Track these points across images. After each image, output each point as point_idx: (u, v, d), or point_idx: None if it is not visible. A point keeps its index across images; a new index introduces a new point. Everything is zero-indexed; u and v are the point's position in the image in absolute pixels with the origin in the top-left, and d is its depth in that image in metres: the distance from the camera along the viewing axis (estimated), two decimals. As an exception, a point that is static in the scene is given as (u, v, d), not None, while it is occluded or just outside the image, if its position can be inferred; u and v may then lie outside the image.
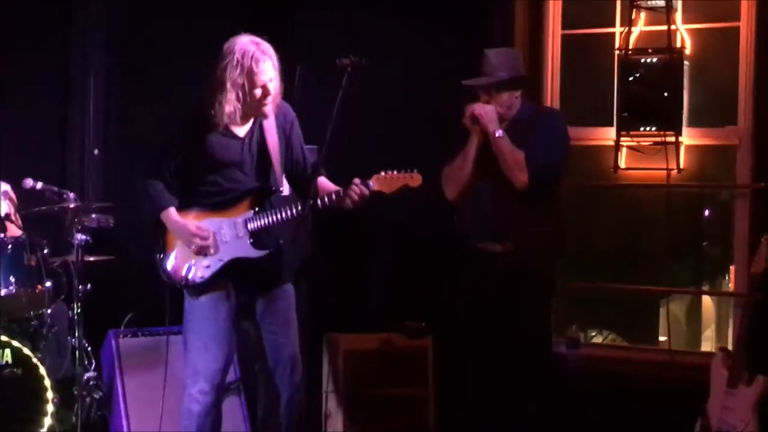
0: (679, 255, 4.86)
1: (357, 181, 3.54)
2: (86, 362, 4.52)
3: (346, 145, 3.56)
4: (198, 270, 3.57)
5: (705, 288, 5.00)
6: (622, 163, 4.56)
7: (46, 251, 4.35)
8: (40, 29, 5.28)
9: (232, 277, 3.61)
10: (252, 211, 3.59)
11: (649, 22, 4.53)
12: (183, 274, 3.57)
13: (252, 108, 3.57)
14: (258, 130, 3.64)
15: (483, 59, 3.84)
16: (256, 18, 4.87)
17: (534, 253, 3.79)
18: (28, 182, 4.38)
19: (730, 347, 4.04)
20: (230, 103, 3.51)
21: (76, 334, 4.38)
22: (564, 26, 4.74)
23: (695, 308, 5.06)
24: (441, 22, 4.73)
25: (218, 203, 3.61)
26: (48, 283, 4.29)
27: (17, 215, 4.46)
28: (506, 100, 3.83)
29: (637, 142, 4.47)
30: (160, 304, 3.87)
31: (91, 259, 4.50)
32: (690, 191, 4.74)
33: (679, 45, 4.43)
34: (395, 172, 3.57)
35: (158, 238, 3.63)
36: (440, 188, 3.92)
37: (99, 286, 4.59)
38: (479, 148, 3.80)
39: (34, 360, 4.08)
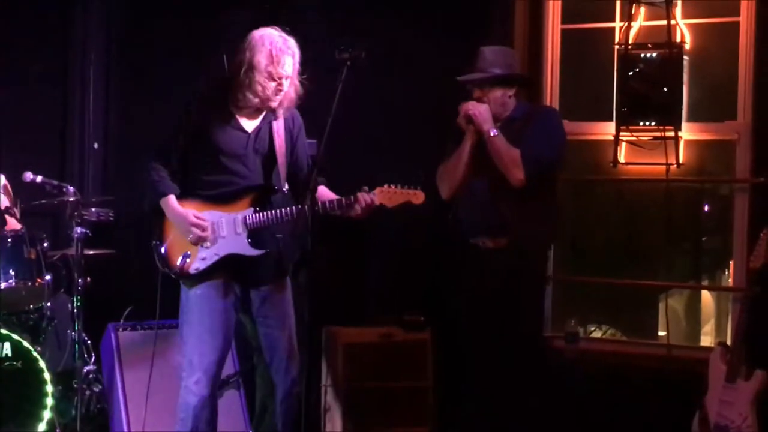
0: (679, 250, 4.86)
1: (365, 189, 3.56)
2: (86, 355, 4.54)
3: (346, 139, 3.56)
4: (194, 261, 3.58)
5: (704, 283, 5.00)
6: (621, 158, 4.56)
7: (45, 245, 4.36)
8: (40, 25, 5.29)
9: (229, 269, 3.62)
10: (252, 209, 3.60)
11: (648, 17, 4.52)
12: (178, 263, 3.58)
13: (264, 100, 3.58)
14: (266, 129, 3.66)
15: (478, 55, 3.83)
16: (257, 15, 4.87)
17: (527, 248, 3.79)
18: (28, 176, 4.39)
19: (728, 342, 4.04)
20: (254, 86, 3.53)
21: (76, 328, 4.40)
22: (564, 21, 4.74)
23: (694, 303, 5.06)
24: (440, 15, 4.73)
25: (219, 196, 3.61)
26: (48, 277, 4.30)
27: (15, 208, 4.46)
28: (499, 97, 3.82)
29: (637, 136, 4.47)
30: (160, 298, 3.87)
31: (91, 252, 4.51)
32: (689, 186, 4.74)
33: (678, 40, 4.43)
34: (399, 187, 3.58)
35: (155, 225, 3.64)
36: (436, 186, 3.93)
37: (98, 280, 4.61)
38: (474, 147, 3.80)
39: (34, 353, 4.10)
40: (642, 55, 4.40)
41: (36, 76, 5.26)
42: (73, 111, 5.43)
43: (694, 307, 5.05)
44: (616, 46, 4.50)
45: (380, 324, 4.53)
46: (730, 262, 4.59)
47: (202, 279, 3.60)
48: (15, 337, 4.09)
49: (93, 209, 4.49)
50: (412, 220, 4.67)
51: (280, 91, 3.58)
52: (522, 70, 4.27)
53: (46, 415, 4.08)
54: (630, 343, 4.76)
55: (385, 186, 3.58)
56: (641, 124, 4.43)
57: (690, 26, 4.51)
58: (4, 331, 4.08)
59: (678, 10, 4.49)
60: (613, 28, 4.63)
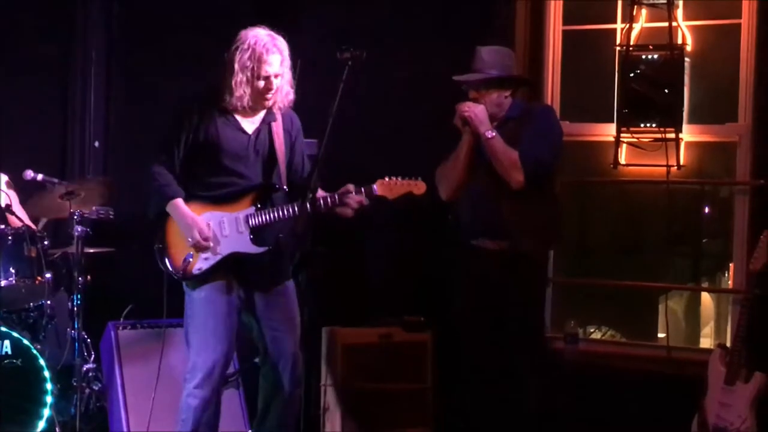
0: (679, 251, 4.86)
1: (351, 188, 3.55)
2: (85, 354, 4.54)
3: (347, 140, 3.56)
4: (196, 262, 3.58)
5: (704, 285, 5.00)
6: (622, 159, 4.56)
7: (46, 243, 4.35)
8: (41, 23, 5.29)
9: (233, 271, 3.62)
10: (253, 207, 3.60)
11: (650, 19, 4.52)
12: (181, 265, 3.58)
13: (256, 99, 3.58)
14: (266, 130, 3.67)
15: (474, 55, 3.82)
16: (257, 13, 4.87)
17: (528, 250, 3.79)
18: (29, 174, 4.39)
19: (728, 344, 4.04)
20: (240, 87, 3.54)
21: (76, 326, 4.40)
22: (565, 22, 4.74)
23: (694, 305, 5.06)
24: (442, 16, 4.73)
25: (220, 197, 3.62)
26: (48, 275, 4.29)
27: (21, 207, 4.47)
28: (495, 99, 3.81)
29: (638, 138, 4.47)
30: (160, 297, 3.87)
31: (91, 250, 4.51)
32: (690, 188, 4.74)
33: (680, 42, 4.43)
34: (399, 179, 3.58)
35: (157, 228, 3.64)
36: (436, 186, 3.93)
37: (99, 278, 4.61)
38: (471, 148, 3.80)
39: (34, 351, 4.09)
40: (643, 57, 4.40)
41: (37, 75, 5.27)
42: (74, 110, 5.44)
43: (693, 309, 5.06)
44: (618, 48, 4.50)
45: (380, 325, 4.53)
46: (730, 265, 4.59)
47: (205, 281, 3.60)
48: (15, 334, 4.08)
49: (93, 207, 4.49)
50: (412, 221, 4.69)
51: (270, 89, 3.58)
52: (523, 71, 4.28)
53: (46, 413, 4.07)
54: (629, 345, 4.76)
55: (386, 178, 3.58)
56: (642, 125, 4.43)
57: (691, 28, 4.51)
58: (4, 329, 4.08)
59: (679, 12, 4.50)
60: (615, 30, 4.63)
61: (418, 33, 4.73)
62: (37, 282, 4.28)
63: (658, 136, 4.40)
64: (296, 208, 3.53)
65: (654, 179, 4.54)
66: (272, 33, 3.60)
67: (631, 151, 4.56)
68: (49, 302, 4.36)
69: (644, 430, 4.30)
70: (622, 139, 4.49)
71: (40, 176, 4.40)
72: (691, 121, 4.52)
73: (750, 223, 4.37)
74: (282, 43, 3.60)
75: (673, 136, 4.38)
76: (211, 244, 3.57)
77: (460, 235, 3.90)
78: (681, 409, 4.03)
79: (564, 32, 4.74)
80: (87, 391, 4.45)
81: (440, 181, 3.90)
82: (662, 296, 4.73)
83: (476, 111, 3.76)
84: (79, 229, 4.33)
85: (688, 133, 4.50)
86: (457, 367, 4.00)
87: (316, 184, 3.52)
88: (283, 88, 3.63)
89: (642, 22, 4.52)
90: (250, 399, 4.30)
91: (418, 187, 3.60)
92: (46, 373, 4.09)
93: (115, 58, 5.48)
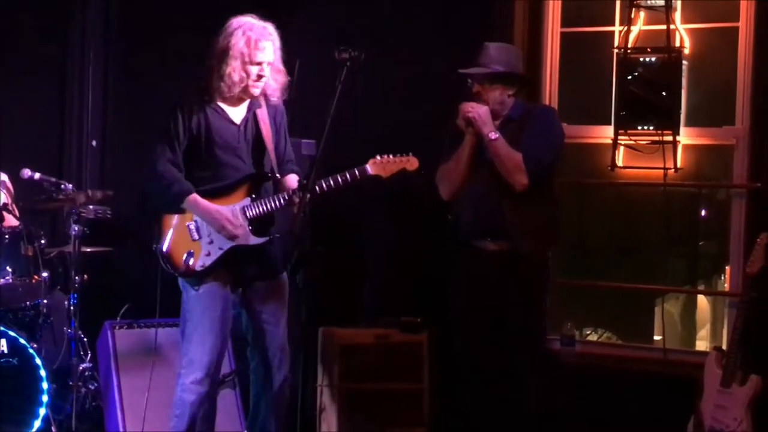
0: (675, 254, 4.87)
1: (291, 191, 3.58)
2: (82, 353, 4.54)
3: (345, 140, 3.56)
4: (198, 258, 3.58)
5: (700, 287, 5.01)
6: (619, 162, 4.56)
7: (43, 242, 4.35)
8: (40, 22, 5.29)
9: (231, 265, 3.62)
10: (249, 198, 3.61)
11: (648, 22, 4.53)
12: (183, 261, 3.58)
13: (245, 87, 3.59)
14: (252, 119, 3.68)
15: (482, 50, 3.83)
16: (256, 10, 4.88)
17: (529, 248, 3.79)
18: (26, 173, 4.39)
19: (724, 346, 4.05)
20: (233, 73, 3.55)
21: (72, 325, 4.39)
22: (563, 24, 4.74)
23: (690, 307, 5.07)
24: (441, 17, 4.73)
25: (215, 190, 3.62)
26: (45, 274, 4.30)
27: (14, 206, 4.46)
28: (498, 95, 3.81)
29: (635, 140, 4.48)
30: (156, 296, 3.87)
31: (88, 250, 4.51)
32: (687, 190, 4.75)
33: (678, 44, 4.44)
34: (391, 156, 3.58)
35: (154, 229, 3.64)
36: (436, 186, 3.92)
37: (96, 277, 4.61)
38: (473, 149, 3.80)
39: (30, 350, 4.09)
40: (641, 59, 4.40)
41: (35, 74, 5.26)
42: (72, 108, 5.43)
43: (689, 311, 5.06)
44: (616, 50, 4.50)
45: (377, 325, 4.53)
46: (727, 267, 4.60)
47: (205, 276, 3.60)
48: (11, 333, 4.09)
49: (90, 207, 4.48)
50: (411, 220, 4.69)
51: (262, 77, 3.59)
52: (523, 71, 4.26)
53: (42, 411, 4.07)
54: (626, 347, 4.77)
55: (377, 156, 3.58)
56: (640, 128, 4.43)
57: (689, 31, 4.52)
58: (0, 328, 4.07)
59: (677, 15, 4.50)
60: (613, 32, 4.63)
61: (417, 34, 4.73)
62: (33, 281, 4.28)
63: (656, 138, 4.40)
64: (292, 196, 3.54)
65: (651, 182, 4.54)
66: (262, 21, 3.62)
67: (629, 154, 4.56)
68: (45, 301, 4.36)
69: (640, 432, 4.31)
70: (619, 142, 4.50)
71: (37, 175, 4.39)
72: (688, 124, 4.52)
73: (747, 226, 4.38)
74: (273, 30, 3.63)
75: (670, 138, 4.38)
76: (241, 232, 3.56)
77: (459, 235, 3.90)
78: (677, 411, 4.03)
79: (562, 34, 4.74)
80: (83, 390, 4.45)
81: (441, 181, 3.90)
82: (659, 298, 4.73)
83: (480, 112, 3.76)
84: (76, 228, 4.32)
85: (686, 136, 4.51)
86: (456, 367, 4.00)
87: (313, 184, 3.52)
88: (271, 77, 3.64)
89: (640, 24, 4.52)
90: (246, 399, 4.29)
91: (411, 162, 3.60)
92: (43, 372, 4.09)
93: (113, 57, 5.48)
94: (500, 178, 3.74)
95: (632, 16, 4.46)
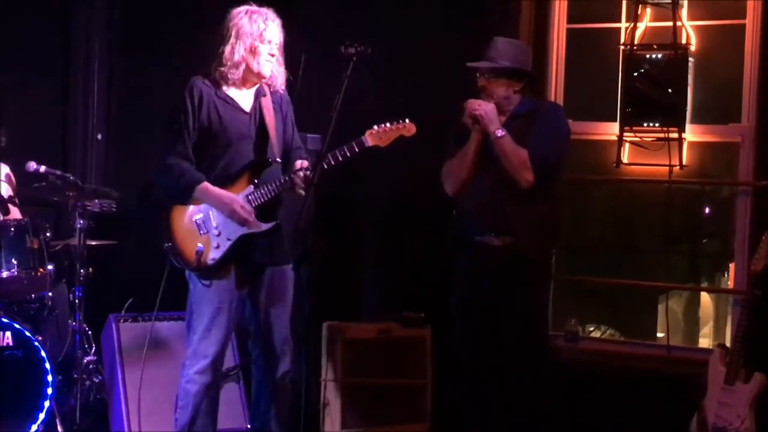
0: (679, 251, 4.87)
1: (300, 165, 3.58)
2: (86, 346, 4.54)
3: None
4: (209, 252, 3.58)
5: (704, 285, 5.01)
6: (624, 158, 4.56)
7: (48, 234, 4.35)
8: (43, 14, 5.29)
9: (238, 256, 3.62)
10: (252, 186, 3.61)
11: (654, 18, 4.52)
12: (194, 258, 3.58)
13: (255, 68, 3.60)
14: (258, 107, 3.68)
15: (490, 44, 3.83)
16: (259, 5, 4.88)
17: (532, 246, 3.79)
18: (31, 166, 4.39)
19: (727, 344, 4.05)
20: (239, 53, 3.57)
21: (77, 318, 4.40)
22: (569, 21, 4.74)
23: (694, 305, 5.07)
24: (446, 14, 4.73)
25: (220, 178, 3.61)
26: (50, 267, 4.30)
27: (16, 198, 4.47)
28: (503, 90, 3.80)
29: (640, 137, 4.48)
30: (161, 289, 3.88)
31: (93, 243, 4.51)
32: (692, 188, 4.75)
33: (684, 41, 4.43)
34: (388, 125, 3.57)
35: (162, 226, 3.64)
36: (441, 181, 3.92)
37: (100, 271, 4.62)
38: (479, 146, 3.80)
39: (35, 342, 4.10)
40: (647, 56, 4.40)
41: (39, 67, 5.27)
42: (76, 102, 5.44)
43: (692, 308, 5.07)
44: (622, 47, 4.50)
45: (380, 320, 4.54)
46: (731, 265, 4.60)
47: (214, 270, 3.60)
48: (16, 326, 4.09)
49: (96, 200, 4.49)
50: (414, 217, 4.70)
51: (273, 56, 3.61)
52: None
53: (46, 404, 4.07)
54: (629, 344, 4.77)
55: (374, 127, 3.57)
56: (645, 125, 4.44)
57: (696, 28, 4.51)
58: (5, 320, 4.08)
59: (684, 12, 4.50)
60: (619, 29, 4.63)
61: (423, 30, 4.73)
62: (38, 273, 4.28)
63: (661, 135, 4.40)
64: (293, 177, 3.54)
65: (656, 179, 4.55)
66: (267, 8, 3.65)
67: (634, 151, 4.56)
68: (50, 294, 4.37)
69: (643, 429, 4.31)
70: (625, 138, 4.50)
71: (42, 168, 4.39)
72: (694, 121, 4.52)
73: (751, 224, 4.38)
74: (274, 14, 3.66)
75: (675, 135, 4.38)
76: (252, 216, 3.57)
77: (463, 231, 3.90)
78: (680, 408, 4.04)
79: (568, 31, 4.74)
80: (87, 383, 4.46)
81: (446, 178, 3.90)
82: (662, 296, 4.74)
83: (487, 109, 3.75)
84: (81, 222, 4.33)
85: (691, 133, 4.50)
86: (457, 363, 4.01)
87: (319, 179, 3.52)
88: (278, 64, 3.66)
89: (646, 21, 4.52)
90: (250, 394, 4.30)
91: (408, 128, 3.58)
92: (47, 365, 4.09)
93: (117, 50, 5.48)
94: (505, 175, 3.74)
95: (639, 12, 4.46)
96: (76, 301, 4.41)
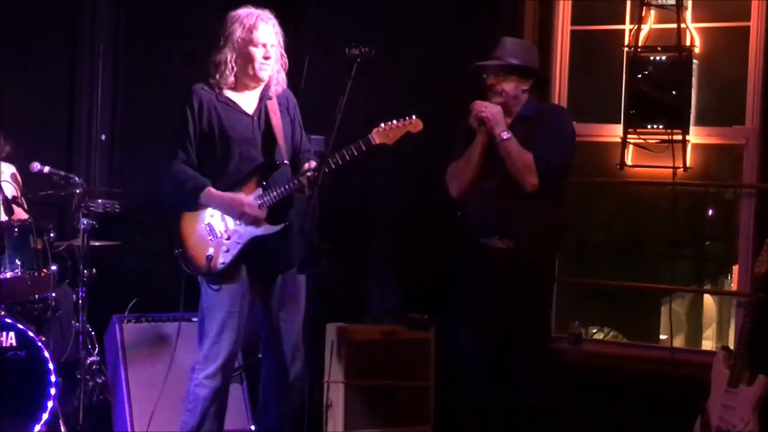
0: (683, 253, 4.86)
1: (307, 166, 3.57)
2: (90, 346, 4.55)
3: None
4: (219, 256, 3.58)
5: (707, 287, 5.00)
6: (628, 160, 4.56)
7: (52, 235, 4.36)
8: (48, 16, 5.29)
9: (248, 261, 3.62)
10: (260, 189, 3.61)
11: (658, 20, 4.52)
12: (205, 263, 3.58)
13: (250, 72, 3.59)
14: (264, 110, 3.68)
15: (498, 44, 3.83)
16: (267, 7, 4.88)
17: (536, 249, 3.79)
18: (35, 166, 4.40)
19: (731, 346, 4.04)
20: (231, 62, 3.58)
21: (81, 319, 4.41)
22: (573, 22, 4.74)
23: (697, 307, 5.07)
24: (449, 17, 4.73)
25: (230, 183, 3.61)
26: (53, 267, 4.30)
27: (23, 198, 4.47)
28: (513, 88, 3.80)
29: (644, 139, 4.47)
30: (164, 290, 3.88)
31: (97, 244, 4.52)
32: (695, 190, 4.74)
33: (688, 43, 4.43)
34: (394, 122, 3.56)
35: (173, 233, 3.64)
36: (445, 183, 3.92)
37: (104, 271, 4.62)
38: (485, 148, 3.79)
39: (39, 343, 4.10)
40: (651, 58, 4.39)
41: (44, 68, 5.27)
42: (81, 102, 5.44)
43: (696, 311, 5.06)
44: (626, 49, 4.49)
45: (384, 322, 4.54)
46: (734, 267, 4.59)
47: (226, 275, 3.60)
48: (20, 326, 4.09)
49: (99, 201, 4.50)
50: (418, 219, 4.69)
51: (268, 59, 3.60)
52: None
53: (50, 405, 4.08)
54: (633, 346, 4.76)
55: (381, 125, 3.56)
56: (649, 126, 4.43)
57: (700, 30, 4.51)
58: (9, 321, 4.08)
59: (688, 14, 4.49)
60: (623, 31, 4.62)
61: (427, 32, 4.73)
62: (42, 274, 4.28)
63: (665, 137, 4.40)
64: (297, 182, 3.54)
65: (660, 181, 4.54)
66: (262, 9, 3.64)
67: (638, 153, 4.55)
68: (53, 294, 4.37)
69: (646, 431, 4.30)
70: (628, 140, 4.49)
71: (46, 168, 4.40)
72: (698, 123, 4.51)
73: (755, 226, 4.37)
74: (270, 15, 3.64)
75: (679, 137, 4.38)
76: (263, 213, 3.56)
77: (467, 233, 3.90)
78: (683, 410, 4.03)
79: (572, 32, 4.74)
80: (90, 383, 4.47)
81: (451, 179, 3.90)
82: (665, 298, 4.73)
83: (493, 111, 3.75)
84: (85, 222, 4.34)
85: (695, 135, 4.50)
86: (461, 365, 4.01)
87: (323, 180, 3.52)
88: (276, 65, 3.65)
89: (650, 23, 4.52)
90: (253, 394, 4.30)
91: (414, 124, 3.57)
92: (51, 366, 4.10)
93: (122, 51, 5.48)
94: (510, 177, 3.74)
95: (643, 14, 4.45)
96: (80, 301, 4.42)
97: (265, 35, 3.60)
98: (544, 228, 3.79)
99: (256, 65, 3.60)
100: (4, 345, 4.03)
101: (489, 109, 3.75)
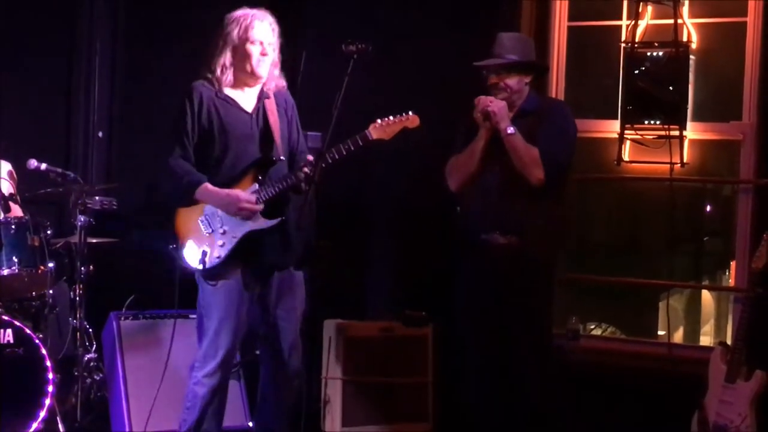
0: (680, 249, 4.87)
1: (296, 170, 3.57)
2: (87, 343, 4.55)
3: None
4: (213, 251, 3.58)
5: (705, 282, 5.00)
6: (625, 156, 4.56)
7: (49, 232, 4.36)
8: (47, 14, 5.29)
9: (245, 257, 3.62)
10: (256, 184, 3.61)
11: (655, 16, 4.52)
12: (200, 258, 3.58)
13: (248, 69, 3.60)
14: (262, 108, 3.69)
15: (495, 41, 3.82)
16: (266, 6, 4.87)
17: (539, 247, 3.79)
18: (33, 163, 4.40)
19: (728, 342, 4.05)
20: (228, 60, 3.59)
21: (78, 316, 4.41)
22: (570, 18, 4.73)
23: (695, 302, 5.07)
24: (448, 12, 4.72)
25: (226, 179, 3.62)
26: (50, 264, 4.30)
27: (18, 196, 4.47)
28: (516, 84, 3.80)
29: (641, 135, 4.48)
30: (162, 287, 3.88)
31: (94, 240, 4.52)
32: (693, 186, 4.75)
33: (685, 39, 4.43)
34: (391, 118, 3.57)
35: (168, 228, 3.64)
36: (444, 178, 3.92)
37: (101, 268, 4.62)
38: (488, 142, 3.79)
39: (36, 340, 4.10)
40: (648, 54, 4.39)
41: (41, 65, 5.27)
42: (78, 100, 5.44)
43: (694, 306, 5.06)
44: (623, 45, 4.50)
45: (382, 318, 4.54)
46: (731, 263, 4.59)
47: (223, 269, 3.60)
48: (17, 323, 4.09)
49: (96, 198, 4.49)
50: (417, 215, 4.70)
51: (265, 56, 3.61)
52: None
53: (47, 402, 4.08)
54: (630, 342, 4.77)
55: (378, 121, 3.56)
56: (646, 122, 4.43)
57: (697, 26, 4.51)
58: (6, 318, 4.08)
59: (685, 10, 4.49)
60: (620, 26, 4.62)
61: (425, 29, 4.73)
62: (39, 271, 4.28)
63: (662, 133, 4.40)
64: (299, 175, 3.53)
65: (657, 176, 4.54)
66: (258, 9, 3.65)
67: (635, 148, 4.56)
68: (51, 292, 4.37)
69: (644, 427, 4.31)
70: (626, 136, 4.50)
71: (43, 165, 4.41)
72: (695, 119, 4.51)
73: (753, 222, 4.37)
74: (266, 14, 3.66)
75: (677, 133, 4.38)
76: (260, 207, 3.57)
77: (467, 229, 3.89)
78: (681, 406, 4.03)
79: (569, 28, 4.74)
80: (88, 380, 4.47)
81: (451, 173, 3.88)
82: (663, 293, 4.73)
83: (499, 106, 3.75)
84: (82, 219, 4.34)
85: (692, 131, 4.50)
86: (459, 361, 4.01)
87: (319, 177, 3.52)
88: (275, 61, 3.66)
89: (647, 19, 4.51)
90: (251, 391, 4.30)
91: (411, 120, 3.58)
92: (48, 363, 4.09)
93: (119, 48, 5.48)
94: (512, 173, 3.73)
95: (640, 10, 4.46)
96: (77, 298, 4.42)
97: (261, 33, 3.61)
98: (546, 226, 3.77)
99: (254, 62, 3.61)
100: (1, 342, 4.02)
101: (495, 104, 3.75)
